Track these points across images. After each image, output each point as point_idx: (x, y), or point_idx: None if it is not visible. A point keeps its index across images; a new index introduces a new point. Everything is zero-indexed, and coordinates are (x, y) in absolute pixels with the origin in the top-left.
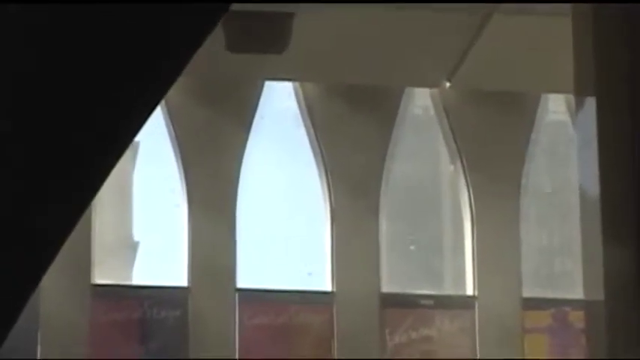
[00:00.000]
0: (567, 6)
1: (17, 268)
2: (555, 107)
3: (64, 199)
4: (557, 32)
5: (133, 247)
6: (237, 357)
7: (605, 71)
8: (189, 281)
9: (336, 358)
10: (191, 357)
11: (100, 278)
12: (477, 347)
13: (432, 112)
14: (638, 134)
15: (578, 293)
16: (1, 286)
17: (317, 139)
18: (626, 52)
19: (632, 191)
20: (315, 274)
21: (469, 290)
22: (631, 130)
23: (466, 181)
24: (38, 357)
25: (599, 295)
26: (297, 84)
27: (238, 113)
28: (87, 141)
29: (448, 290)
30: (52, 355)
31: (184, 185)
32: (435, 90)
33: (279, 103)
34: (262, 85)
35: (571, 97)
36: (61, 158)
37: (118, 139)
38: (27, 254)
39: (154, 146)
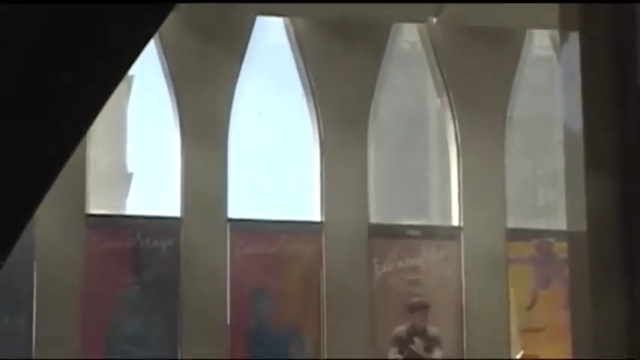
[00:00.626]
0: None
1: (13, 199)
2: (540, 42)
3: (58, 133)
4: None
5: (127, 177)
6: (228, 286)
7: (588, 7)
8: (181, 211)
9: (324, 286)
10: (183, 286)
11: (94, 208)
12: (462, 277)
13: (419, 47)
14: (620, 68)
15: (561, 224)
16: None
17: (307, 72)
18: None
19: (615, 124)
20: (305, 204)
21: (455, 221)
22: (613, 64)
23: (452, 114)
24: (34, 287)
25: (582, 226)
26: (287, 19)
27: (230, 47)
28: (79, 77)
29: (434, 221)
30: (48, 284)
31: (177, 117)
32: (423, 25)
33: (271, 38)
34: (254, 20)
35: (556, 33)
36: (55, 93)
37: (109, 76)
38: (22, 185)
39: (148, 79)
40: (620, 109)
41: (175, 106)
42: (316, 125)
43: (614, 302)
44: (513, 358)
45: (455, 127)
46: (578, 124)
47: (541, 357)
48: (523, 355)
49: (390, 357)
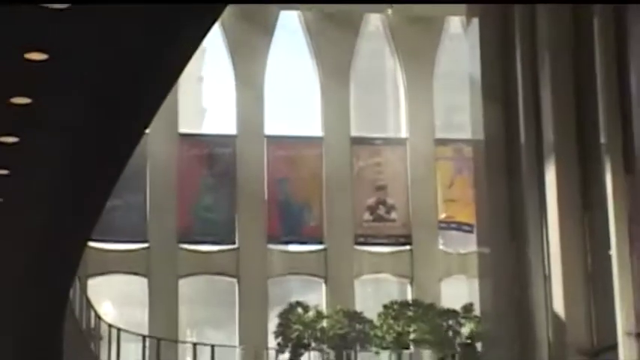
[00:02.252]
0: None
1: (132, 120)
2: (454, 25)
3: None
4: None
5: (202, 111)
6: (265, 176)
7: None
8: (237, 130)
9: (324, 176)
10: (238, 176)
11: (183, 129)
12: (408, 169)
13: (380, 28)
14: (505, 34)
15: (468, 135)
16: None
17: (312, 44)
18: None
19: (502, 71)
20: (312, 125)
21: (403, 134)
22: (500, 37)
23: (401, 68)
24: (147, 175)
25: (481, 137)
26: (299, 11)
27: (265, 28)
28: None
29: (390, 134)
30: (156, 173)
31: (233, 71)
32: (383, 14)
33: (289, 22)
34: (279, 12)
35: (464, 18)
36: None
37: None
38: (137, 115)
39: (215, 51)
40: (506, 65)
41: (231, 65)
42: (317, 76)
43: (499, 186)
44: (440, 217)
45: (402, 77)
46: (477, 74)
47: (456, 218)
48: (445, 217)
49: (364, 219)
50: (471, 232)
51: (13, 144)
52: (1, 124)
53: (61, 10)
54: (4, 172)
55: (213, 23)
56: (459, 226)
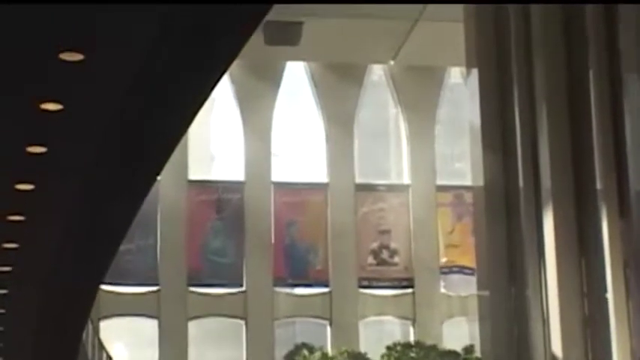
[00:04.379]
0: (460, 17)
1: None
2: (455, 75)
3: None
4: (452, 33)
5: (212, 158)
6: (272, 220)
7: (483, 52)
8: (245, 177)
9: (329, 220)
10: (246, 221)
11: (193, 176)
12: (410, 214)
13: (383, 78)
14: (504, 85)
15: (468, 182)
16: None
17: (317, 94)
18: (494, 45)
19: (503, 121)
20: (317, 173)
21: (406, 180)
22: (499, 85)
23: (403, 116)
24: (158, 221)
25: (481, 183)
26: (305, 63)
27: (272, 79)
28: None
29: (393, 181)
30: (167, 219)
31: (241, 122)
32: (385, 65)
33: (296, 73)
34: (285, 64)
35: (464, 69)
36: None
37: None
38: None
39: (223, 101)
40: (505, 114)
41: (240, 113)
42: (323, 125)
43: (498, 231)
44: (441, 262)
45: (405, 126)
46: (477, 123)
47: (457, 262)
48: (446, 261)
49: (368, 262)
50: (472, 275)
51: (28, 191)
52: (17, 171)
53: (76, 61)
54: (20, 217)
55: (224, 72)
56: (460, 270)
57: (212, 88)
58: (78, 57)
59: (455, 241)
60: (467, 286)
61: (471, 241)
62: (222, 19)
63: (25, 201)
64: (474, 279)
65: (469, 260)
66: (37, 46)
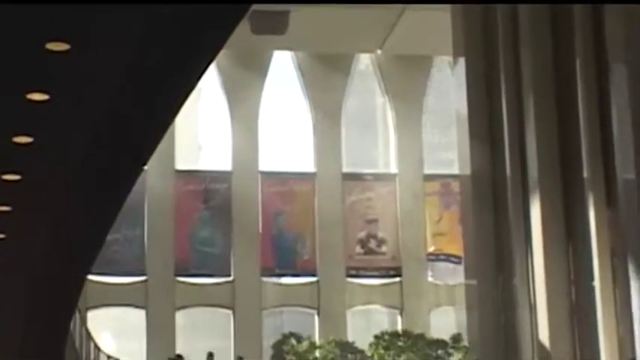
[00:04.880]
0: (447, 6)
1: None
2: (442, 64)
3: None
4: (439, 22)
5: (199, 148)
6: (260, 210)
7: (470, 42)
8: (232, 166)
9: (316, 210)
10: (233, 210)
11: (180, 166)
12: (398, 203)
13: (370, 67)
14: (491, 76)
15: (455, 171)
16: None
17: (305, 83)
18: (481, 35)
19: (487, 114)
20: (305, 162)
21: (393, 169)
22: (485, 76)
23: (390, 106)
24: (146, 211)
25: (467, 172)
26: (292, 52)
27: (259, 68)
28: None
29: (381, 170)
30: (154, 209)
31: (229, 111)
32: (372, 54)
33: (283, 63)
34: (272, 53)
35: (451, 58)
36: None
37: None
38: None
39: (210, 90)
40: (492, 103)
41: (227, 103)
42: (310, 114)
43: (486, 219)
44: (429, 250)
45: (392, 115)
46: (464, 112)
47: (445, 250)
48: (434, 249)
49: (355, 252)
50: (459, 263)
51: (15, 181)
52: (4, 162)
53: (62, 51)
54: (6, 208)
55: (210, 62)
56: (447, 258)
57: (199, 78)
58: (64, 47)
59: (442, 229)
60: (454, 275)
61: (458, 229)
62: (208, 9)
63: (12, 191)
64: (461, 267)
65: (456, 248)
66: (23, 36)
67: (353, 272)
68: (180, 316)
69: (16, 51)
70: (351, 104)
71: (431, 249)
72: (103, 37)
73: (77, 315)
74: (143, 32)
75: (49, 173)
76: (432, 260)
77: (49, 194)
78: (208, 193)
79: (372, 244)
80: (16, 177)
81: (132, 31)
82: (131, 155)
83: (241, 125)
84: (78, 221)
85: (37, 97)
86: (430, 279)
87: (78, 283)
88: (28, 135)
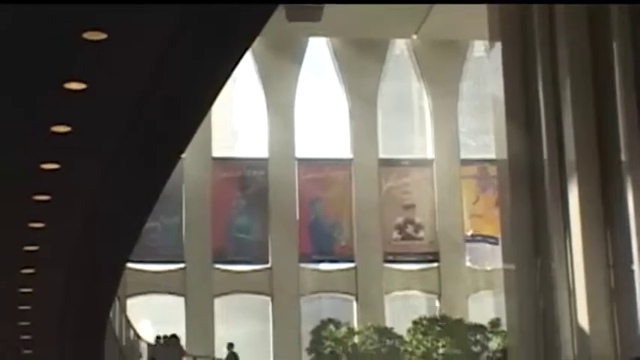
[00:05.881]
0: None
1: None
2: (478, 48)
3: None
4: (474, 7)
5: (235, 134)
6: (297, 197)
7: (506, 26)
8: (268, 153)
9: (354, 196)
10: (270, 197)
11: (216, 153)
12: (435, 188)
13: (406, 53)
14: (527, 62)
15: (492, 155)
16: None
17: (340, 70)
18: (517, 19)
19: (523, 109)
20: (342, 147)
21: (430, 155)
22: (521, 60)
23: (426, 91)
24: (183, 199)
25: (504, 156)
26: (327, 38)
27: (295, 55)
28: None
29: (417, 155)
30: (192, 197)
31: (264, 99)
32: (408, 39)
33: (318, 49)
34: (308, 40)
35: (487, 42)
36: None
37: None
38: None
39: (246, 77)
40: (528, 87)
41: (262, 90)
42: (346, 100)
43: (523, 204)
44: (466, 234)
45: (428, 100)
46: (500, 96)
47: (481, 232)
48: (472, 232)
49: (393, 237)
50: (496, 244)
51: (54, 170)
52: (43, 151)
53: (99, 40)
54: (45, 197)
55: (245, 51)
56: (484, 239)
57: (235, 66)
58: (101, 36)
59: (479, 211)
60: (492, 259)
61: (494, 211)
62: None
63: (51, 180)
64: (498, 250)
65: (493, 229)
66: (60, 26)
67: (390, 258)
68: (218, 303)
69: (54, 41)
70: (386, 90)
71: (469, 233)
72: (139, 26)
73: (117, 303)
74: (179, 19)
75: (87, 162)
76: (469, 241)
77: (87, 183)
78: (245, 180)
79: (410, 229)
80: (55, 166)
81: (167, 18)
82: (168, 144)
83: (277, 112)
84: (116, 209)
85: (74, 86)
86: (468, 264)
87: (117, 272)
88: (66, 124)
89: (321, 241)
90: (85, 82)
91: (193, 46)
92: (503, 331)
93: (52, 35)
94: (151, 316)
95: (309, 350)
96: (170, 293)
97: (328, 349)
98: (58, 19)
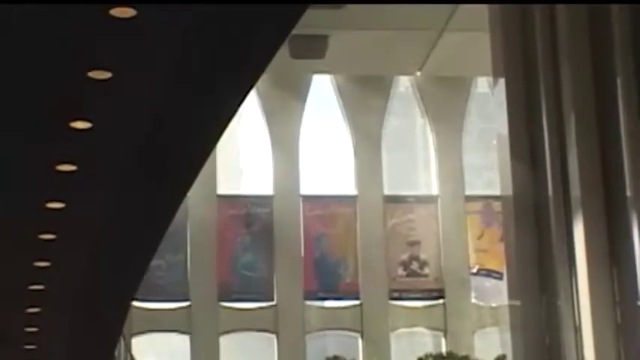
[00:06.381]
0: (486, 27)
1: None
2: (482, 85)
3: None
4: (478, 43)
5: (240, 172)
6: (302, 234)
7: (510, 62)
8: (273, 191)
9: (359, 232)
10: (275, 234)
11: (221, 190)
12: (440, 224)
13: (410, 89)
14: (530, 94)
15: (497, 192)
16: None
17: (344, 106)
18: (520, 55)
19: (528, 138)
20: (347, 185)
21: (434, 191)
22: (526, 96)
23: (430, 127)
24: (188, 237)
25: (509, 193)
26: (331, 75)
27: (299, 92)
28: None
29: (422, 192)
30: (197, 234)
31: (269, 137)
32: (412, 76)
33: (322, 86)
34: (312, 76)
35: (491, 78)
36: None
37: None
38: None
39: (250, 115)
40: (533, 123)
41: (267, 128)
42: (350, 137)
43: (528, 240)
44: (471, 269)
45: (432, 136)
46: (505, 133)
47: (486, 266)
48: (475, 265)
49: (398, 274)
50: (500, 279)
51: (60, 209)
52: (48, 190)
53: (104, 79)
54: (51, 236)
55: (251, 88)
56: (489, 273)
57: (240, 104)
58: (106, 75)
59: (484, 246)
60: (497, 295)
61: (499, 246)
62: (252, 33)
63: (56, 219)
64: (504, 286)
65: (498, 264)
66: (65, 65)
67: (396, 295)
68: (224, 341)
69: (59, 80)
70: (391, 126)
71: (474, 269)
72: (143, 65)
73: (122, 341)
74: (179, 57)
75: (93, 201)
76: (474, 275)
77: (93, 221)
78: (250, 217)
79: (415, 265)
80: (60, 205)
81: (171, 57)
82: (174, 182)
83: (282, 149)
84: (122, 248)
85: (80, 125)
86: (474, 300)
87: (122, 310)
88: (72, 163)
89: (326, 278)
90: (90, 121)
91: (198, 83)
92: None
93: (58, 74)
94: (157, 354)
95: None
96: (175, 331)
97: None
98: (63, 58)
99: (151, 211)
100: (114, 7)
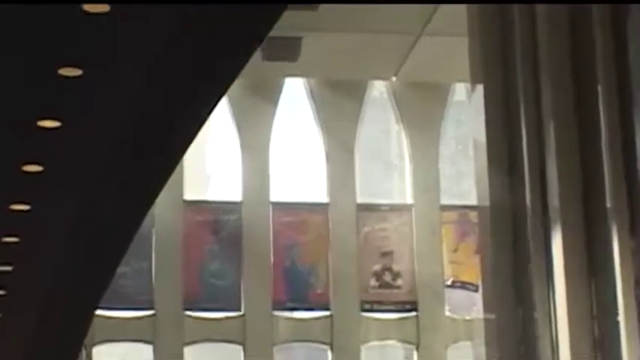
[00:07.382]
0: (464, 32)
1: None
2: (459, 91)
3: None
4: (455, 48)
5: (207, 178)
6: (271, 241)
7: (488, 68)
8: (242, 197)
9: (330, 241)
10: (244, 242)
11: (188, 196)
12: (414, 234)
13: (385, 95)
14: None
15: (473, 202)
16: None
17: (317, 111)
18: (499, 61)
19: (505, 143)
20: (318, 192)
21: (409, 200)
22: (504, 104)
23: (406, 134)
24: (153, 243)
25: (486, 203)
26: (304, 79)
27: (270, 96)
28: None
29: (396, 200)
30: (162, 241)
31: (239, 140)
32: (387, 81)
33: (294, 90)
34: (284, 80)
35: (469, 85)
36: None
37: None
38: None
39: (220, 119)
40: (511, 131)
41: (237, 132)
42: (322, 143)
43: (505, 251)
44: (446, 281)
45: (407, 143)
46: (482, 141)
47: (460, 278)
48: (452, 280)
49: (370, 285)
50: (475, 291)
51: (24, 211)
52: (13, 192)
53: (74, 77)
54: (15, 239)
55: (223, 94)
56: (464, 285)
57: (214, 106)
58: (76, 72)
59: (459, 258)
60: (472, 307)
61: (474, 258)
62: (223, 41)
63: (21, 222)
64: (478, 299)
65: (473, 276)
66: (34, 62)
67: (367, 306)
68: (189, 352)
69: (28, 77)
70: (365, 133)
71: (449, 281)
72: (115, 63)
73: (83, 351)
74: (156, 60)
75: (59, 203)
76: (449, 287)
77: (59, 225)
78: (218, 224)
79: (388, 277)
80: (25, 207)
81: (144, 58)
82: (143, 187)
83: (252, 154)
84: (88, 253)
85: (48, 124)
86: (447, 313)
87: (87, 317)
88: (39, 164)
89: (296, 288)
90: (59, 120)
91: (170, 88)
92: None
93: (26, 71)
94: None
95: None
96: (139, 341)
97: None
98: (33, 55)
99: (119, 216)
100: (87, 1)
